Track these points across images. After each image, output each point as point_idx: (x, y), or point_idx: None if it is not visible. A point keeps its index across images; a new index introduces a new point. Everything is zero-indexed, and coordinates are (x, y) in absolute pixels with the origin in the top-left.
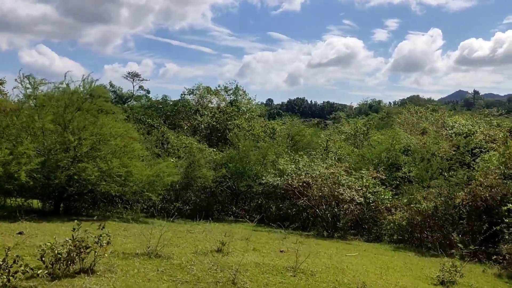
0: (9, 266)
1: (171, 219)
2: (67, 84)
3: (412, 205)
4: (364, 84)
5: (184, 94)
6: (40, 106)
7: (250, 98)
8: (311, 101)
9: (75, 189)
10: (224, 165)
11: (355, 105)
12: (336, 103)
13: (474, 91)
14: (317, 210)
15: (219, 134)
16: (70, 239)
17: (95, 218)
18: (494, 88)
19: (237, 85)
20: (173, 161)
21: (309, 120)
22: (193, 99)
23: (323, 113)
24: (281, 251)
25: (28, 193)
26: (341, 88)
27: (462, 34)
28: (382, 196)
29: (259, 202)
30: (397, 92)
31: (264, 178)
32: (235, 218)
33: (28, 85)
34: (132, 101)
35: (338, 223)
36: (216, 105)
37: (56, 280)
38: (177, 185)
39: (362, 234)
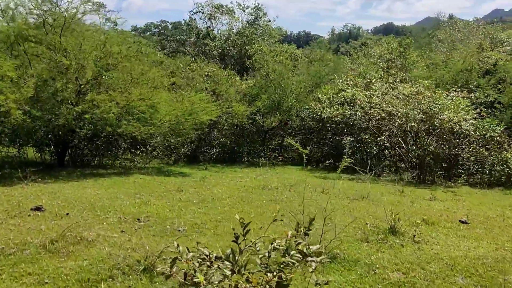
0: None
1: (205, 166)
2: None
3: None
4: (334, 14)
5: (192, 12)
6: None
7: (270, 21)
8: (285, 31)
9: (88, 131)
10: (255, 96)
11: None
12: (311, 33)
13: (450, 15)
14: (398, 147)
15: (234, 61)
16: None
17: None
18: (462, 14)
19: (257, 4)
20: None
21: None
22: (202, 20)
23: (300, 43)
24: (463, 222)
25: (22, 140)
26: (310, 19)
27: None
28: (487, 126)
29: (298, 139)
30: (368, 20)
31: (318, 111)
32: (267, 161)
33: None
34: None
35: (426, 163)
36: (228, 28)
37: None
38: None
39: (456, 176)
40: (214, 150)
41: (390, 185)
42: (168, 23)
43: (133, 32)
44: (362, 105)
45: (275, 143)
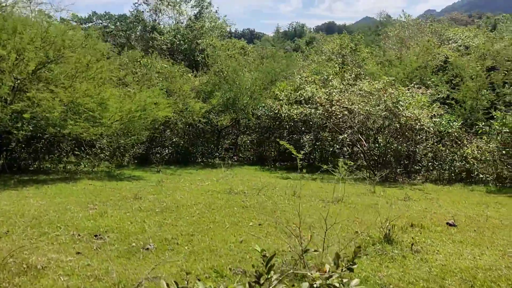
0: None
1: (158, 168)
2: None
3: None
4: (277, 12)
5: (137, 4)
6: None
7: (216, 12)
8: (230, 29)
9: (27, 132)
10: (210, 94)
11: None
12: (256, 31)
13: (387, 14)
14: (359, 145)
15: (183, 56)
16: None
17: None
18: (396, 14)
19: None
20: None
21: None
22: (148, 13)
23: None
24: (451, 225)
25: None
26: (254, 17)
27: None
28: (445, 122)
29: (254, 138)
30: (310, 19)
31: (276, 108)
32: (222, 161)
33: None
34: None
35: (384, 161)
36: (175, 22)
37: None
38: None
39: (415, 173)
40: (167, 151)
41: (358, 185)
42: (112, 16)
43: (73, 23)
44: (323, 103)
45: (228, 142)
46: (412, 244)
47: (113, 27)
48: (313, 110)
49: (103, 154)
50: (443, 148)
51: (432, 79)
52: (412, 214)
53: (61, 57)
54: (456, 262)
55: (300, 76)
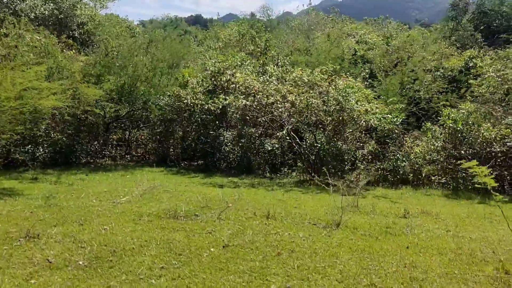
0: None
1: (33, 174)
2: None
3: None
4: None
5: None
6: None
7: None
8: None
9: None
10: (98, 78)
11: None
12: (120, 16)
13: (252, 13)
14: (294, 144)
15: (56, 29)
16: None
17: None
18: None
19: None
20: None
21: None
22: None
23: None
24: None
25: None
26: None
27: None
28: (387, 118)
29: (154, 133)
30: (174, 11)
31: (184, 98)
32: (113, 161)
33: None
34: None
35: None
36: None
37: None
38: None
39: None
40: (41, 149)
41: (317, 194)
42: None
43: None
44: (257, 93)
45: (116, 137)
46: None
47: None
48: (248, 102)
49: None
50: (382, 147)
51: (364, 72)
52: (454, 246)
53: None
54: None
55: (214, 61)
